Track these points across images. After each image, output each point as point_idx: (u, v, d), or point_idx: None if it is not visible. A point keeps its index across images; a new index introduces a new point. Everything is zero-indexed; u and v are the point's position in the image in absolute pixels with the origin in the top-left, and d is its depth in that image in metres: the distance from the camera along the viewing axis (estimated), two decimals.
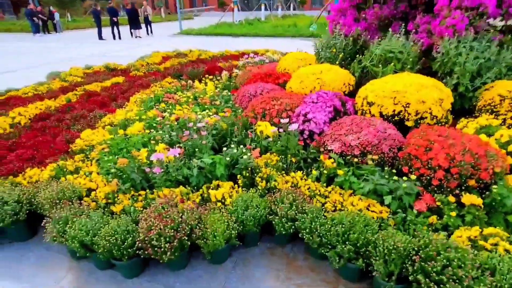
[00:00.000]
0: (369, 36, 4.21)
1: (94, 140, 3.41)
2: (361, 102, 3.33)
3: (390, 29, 3.89)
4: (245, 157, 2.71)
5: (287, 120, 3.01)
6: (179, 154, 2.54)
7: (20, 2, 32.75)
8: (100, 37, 17.03)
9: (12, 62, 10.54)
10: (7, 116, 4.20)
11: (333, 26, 4.65)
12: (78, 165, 2.95)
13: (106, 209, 2.41)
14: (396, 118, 3.04)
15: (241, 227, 2.23)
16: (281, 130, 3.07)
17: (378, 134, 2.70)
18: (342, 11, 4.55)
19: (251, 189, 2.52)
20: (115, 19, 16.62)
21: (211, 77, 5.83)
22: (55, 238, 2.15)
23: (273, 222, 2.28)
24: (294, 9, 33.54)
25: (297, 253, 2.40)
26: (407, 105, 2.97)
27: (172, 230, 2.00)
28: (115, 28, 16.92)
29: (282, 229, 2.24)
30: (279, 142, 2.95)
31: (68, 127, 4.04)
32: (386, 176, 2.40)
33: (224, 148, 2.92)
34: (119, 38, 17.14)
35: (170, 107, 4.38)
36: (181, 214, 2.11)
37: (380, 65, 3.67)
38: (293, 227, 2.24)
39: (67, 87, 5.74)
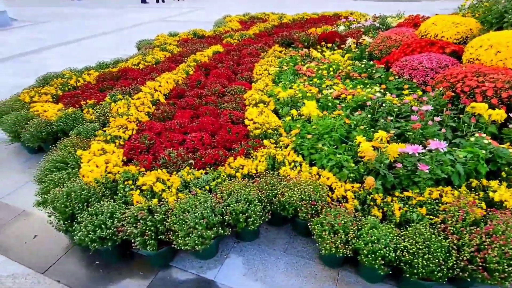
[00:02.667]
0: None
1: (273, 122, 3.01)
2: None
3: None
4: (510, 150, 2.23)
5: None
6: (445, 147, 2.09)
7: None
8: (143, 0, 16.20)
9: (77, 29, 10.13)
10: (141, 91, 3.83)
11: None
12: (283, 153, 2.57)
13: (365, 213, 2.05)
14: None
15: None
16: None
17: None
18: None
19: None
20: None
21: (329, 45, 5.20)
22: (338, 248, 1.82)
23: None
24: None
25: None
26: None
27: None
28: None
29: None
30: None
31: (215, 104, 3.63)
32: None
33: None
34: (163, 1, 16.26)
35: (318, 81, 3.87)
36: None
37: None
38: None
39: (173, 57, 5.28)
